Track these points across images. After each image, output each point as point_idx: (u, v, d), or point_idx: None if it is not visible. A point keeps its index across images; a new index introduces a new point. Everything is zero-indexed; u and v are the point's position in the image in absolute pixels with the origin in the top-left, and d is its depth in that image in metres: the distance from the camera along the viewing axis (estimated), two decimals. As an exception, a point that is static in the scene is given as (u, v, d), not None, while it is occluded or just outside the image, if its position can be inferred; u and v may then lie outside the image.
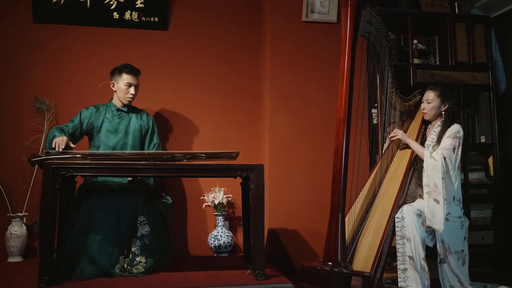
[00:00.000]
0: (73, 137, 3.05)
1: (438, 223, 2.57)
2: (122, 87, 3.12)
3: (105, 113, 3.17)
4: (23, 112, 3.46)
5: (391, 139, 3.01)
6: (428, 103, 2.91)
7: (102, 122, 3.15)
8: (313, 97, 3.57)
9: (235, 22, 3.82)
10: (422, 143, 2.93)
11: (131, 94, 3.14)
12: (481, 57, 3.63)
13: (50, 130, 3.02)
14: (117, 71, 3.14)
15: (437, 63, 3.71)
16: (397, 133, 2.94)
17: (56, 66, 3.55)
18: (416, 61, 3.60)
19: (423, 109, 2.96)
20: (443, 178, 2.61)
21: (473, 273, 2.87)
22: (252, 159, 3.67)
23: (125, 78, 3.11)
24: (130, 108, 3.23)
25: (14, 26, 3.50)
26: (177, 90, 3.70)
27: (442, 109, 2.89)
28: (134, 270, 2.66)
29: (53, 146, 2.80)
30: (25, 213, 3.30)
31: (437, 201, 2.59)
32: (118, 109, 3.19)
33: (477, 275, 3.00)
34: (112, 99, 3.22)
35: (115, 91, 3.17)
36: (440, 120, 2.90)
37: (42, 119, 3.44)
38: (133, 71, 3.14)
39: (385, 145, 3.14)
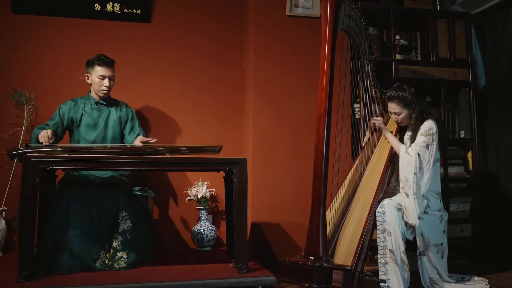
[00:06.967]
0: (56, 135, 2.97)
1: (411, 218, 2.60)
2: (96, 79, 3.04)
3: (84, 106, 3.10)
4: (2, 104, 3.39)
5: (373, 122, 2.98)
6: (398, 115, 2.88)
7: (81, 115, 3.09)
8: (297, 92, 3.58)
9: (219, 15, 3.80)
10: (401, 137, 2.94)
11: (105, 86, 3.05)
12: (461, 53, 3.68)
13: (32, 131, 2.97)
14: (90, 63, 3.05)
15: (419, 58, 3.75)
16: (378, 120, 2.94)
17: (36, 57, 3.48)
18: (398, 56, 3.63)
19: (395, 121, 2.93)
20: (415, 173, 2.65)
21: (452, 265, 2.93)
22: (235, 153, 3.66)
23: (98, 70, 3.02)
24: (109, 100, 3.16)
25: (-8, 16, 3.43)
26: (160, 83, 3.66)
27: (413, 112, 2.88)
28: (116, 266, 2.65)
29: (41, 141, 2.75)
30: (4, 207, 3.24)
31: (407, 194, 2.64)
32: (97, 102, 3.13)
33: (455, 267, 3.07)
34: (90, 91, 3.15)
35: (91, 84, 3.10)
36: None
37: (21, 112, 3.38)
38: (106, 63, 3.03)
39: (366, 137, 3.16)
